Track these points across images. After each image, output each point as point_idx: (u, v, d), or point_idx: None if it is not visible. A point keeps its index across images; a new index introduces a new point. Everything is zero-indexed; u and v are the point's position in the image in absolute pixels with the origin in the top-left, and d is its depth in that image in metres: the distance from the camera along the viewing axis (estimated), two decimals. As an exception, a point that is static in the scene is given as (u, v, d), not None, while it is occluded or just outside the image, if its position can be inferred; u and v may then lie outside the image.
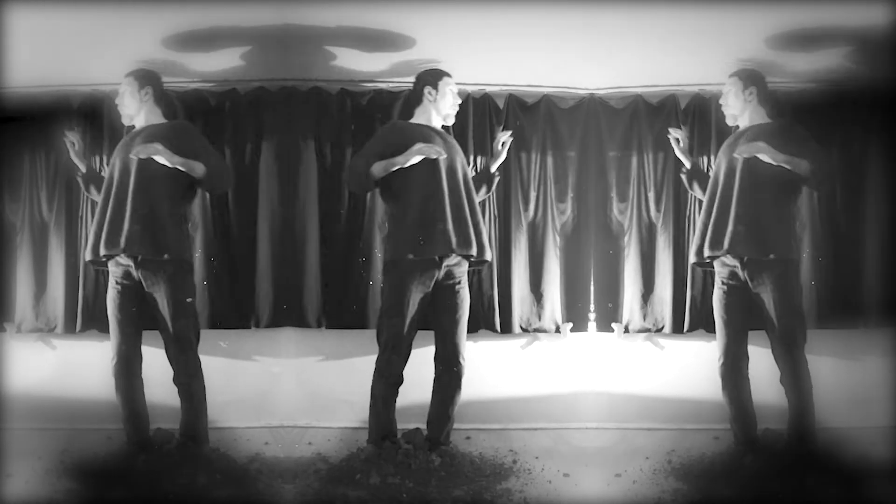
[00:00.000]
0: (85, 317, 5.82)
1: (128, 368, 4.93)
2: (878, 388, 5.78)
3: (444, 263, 4.97)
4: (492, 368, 6.02)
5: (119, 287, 4.94)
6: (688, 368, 5.94)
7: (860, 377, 5.78)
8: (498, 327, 5.96)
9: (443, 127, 5.22)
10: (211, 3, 5.13)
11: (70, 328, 5.84)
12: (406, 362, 4.99)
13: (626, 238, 5.97)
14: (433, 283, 4.97)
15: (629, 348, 6.01)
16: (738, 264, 4.92)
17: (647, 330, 5.96)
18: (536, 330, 6.00)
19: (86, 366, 5.78)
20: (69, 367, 5.84)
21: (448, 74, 5.18)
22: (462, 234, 4.96)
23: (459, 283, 5.04)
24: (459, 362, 5.04)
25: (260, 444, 5.45)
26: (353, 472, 4.74)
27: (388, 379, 4.95)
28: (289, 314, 5.91)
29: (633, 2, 5.18)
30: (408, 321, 4.94)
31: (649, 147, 5.96)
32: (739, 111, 5.13)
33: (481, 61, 5.78)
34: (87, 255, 5.03)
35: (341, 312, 5.86)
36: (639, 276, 5.96)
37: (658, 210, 5.95)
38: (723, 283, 4.99)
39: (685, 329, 5.91)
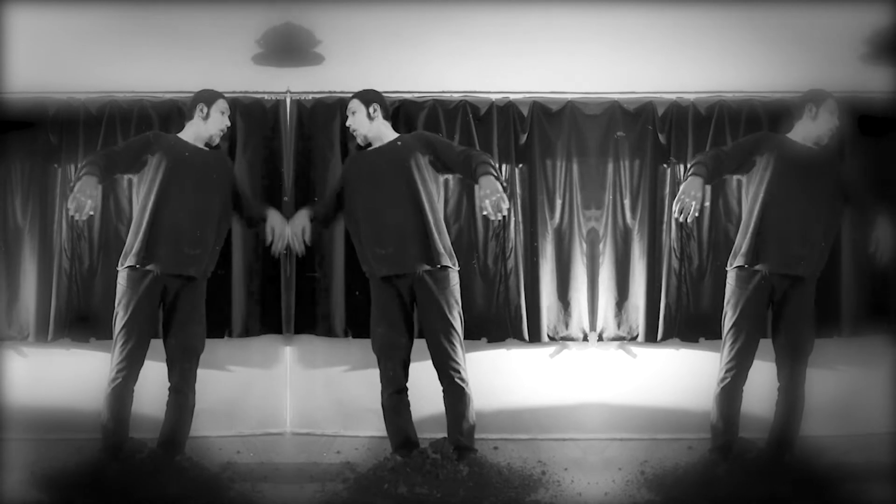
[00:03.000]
0: (57, 326, 5.79)
1: (131, 375, 4.87)
2: (854, 397, 5.82)
3: (416, 274, 4.94)
4: (519, 377, 6.00)
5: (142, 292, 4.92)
6: (661, 377, 5.93)
7: (836, 386, 5.79)
8: (526, 336, 5.92)
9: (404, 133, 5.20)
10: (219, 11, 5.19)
11: (42, 337, 5.80)
12: (404, 369, 4.99)
13: (601, 245, 5.93)
14: (409, 292, 4.96)
15: (627, 357, 6.00)
16: (765, 274, 4.90)
17: (621, 338, 5.92)
18: (564, 338, 5.95)
19: (57, 375, 5.79)
20: (40, 377, 5.80)
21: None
22: (409, 252, 4.92)
23: (437, 289, 4.95)
24: (451, 367, 4.94)
25: (232, 452, 5.50)
26: (381, 482, 4.73)
27: (387, 387, 4.99)
28: (313, 323, 5.97)
29: (610, 7, 5.19)
30: (393, 329, 4.95)
31: (626, 154, 5.92)
32: (799, 124, 5.05)
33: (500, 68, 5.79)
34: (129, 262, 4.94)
35: (369, 321, 5.75)
36: (613, 283, 5.92)
37: (634, 217, 5.92)
38: (745, 291, 4.92)
39: (659, 338, 5.88)
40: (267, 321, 5.96)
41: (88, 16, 5.22)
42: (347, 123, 5.18)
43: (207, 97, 5.10)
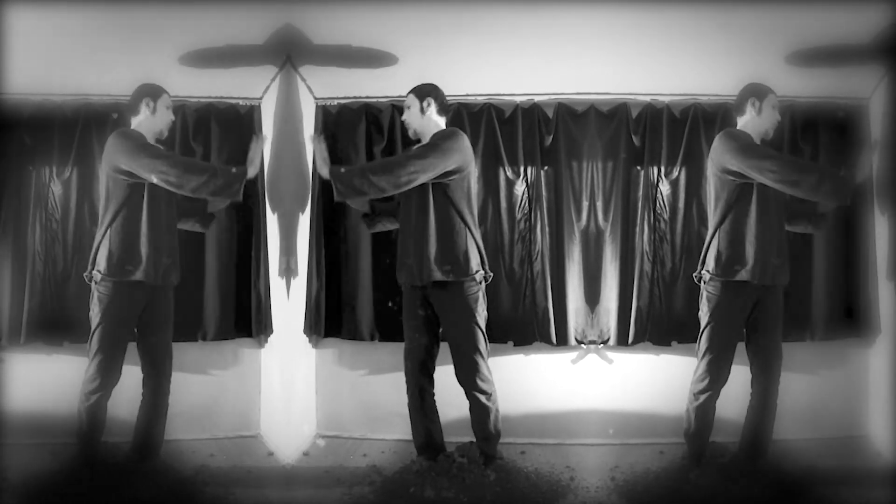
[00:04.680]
0: (30, 329, 5.75)
1: (111, 384, 4.88)
2: (827, 401, 5.82)
3: (426, 285, 4.96)
4: (547, 381, 5.97)
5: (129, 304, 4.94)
6: (633, 381, 5.90)
7: (808, 389, 5.78)
8: (553, 339, 5.89)
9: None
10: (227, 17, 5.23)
11: (15, 340, 5.75)
12: (423, 370, 5.01)
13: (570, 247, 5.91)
14: (422, 301, 4.99)
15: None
16: (753, 285, 4.88)
17: (593, 342, 5.88)
18: (591, 342, 5.90)
19: (30, 379, 5.73)
20: (13, 381, 5.73)
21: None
22: (421, 264, 4.92)
23: (447, 301, 4.97)
24: (465, 377, 4.95)
25: (205, 455, 5.52)
26: (407, 486, 4.77)
27: (408, 387, 5.05)
28: (339, 326, 5.98)
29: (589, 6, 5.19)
30: (414, 331, 5.00)
31: (598, 155, 5.89)
32: (743, 120, 5.06)
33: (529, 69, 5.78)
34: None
35: (394, 325, 5.69)
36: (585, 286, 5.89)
37: (606, 220, 5.88)
38: (731, 304, 4.90)
39: (630, 341, 5.85)
40: (241, 324, 5.95)
41: (66, 18, 5.23)
42: (403, 118, 5.18)
43: (152, 91, 5.06)
